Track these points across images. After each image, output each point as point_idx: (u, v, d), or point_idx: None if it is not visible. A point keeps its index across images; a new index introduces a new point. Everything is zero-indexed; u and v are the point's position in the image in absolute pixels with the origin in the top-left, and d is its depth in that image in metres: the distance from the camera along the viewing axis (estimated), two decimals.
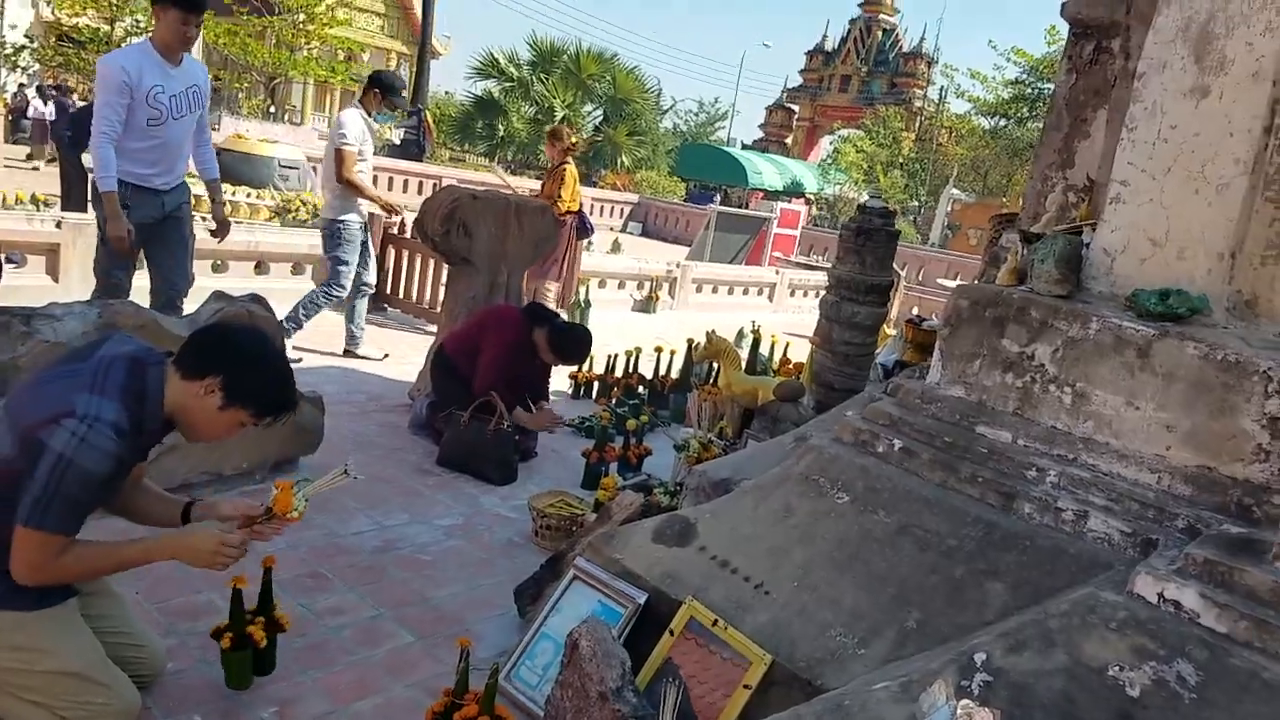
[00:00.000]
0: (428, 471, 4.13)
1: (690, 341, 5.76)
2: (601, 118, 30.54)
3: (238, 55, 22.61)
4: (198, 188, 4.92)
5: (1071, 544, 2.25)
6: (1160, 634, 1.83)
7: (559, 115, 28.34)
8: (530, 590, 2.94)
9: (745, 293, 11.79)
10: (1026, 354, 2.53)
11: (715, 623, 2.41)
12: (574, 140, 7.04)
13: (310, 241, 7.16)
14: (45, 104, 15.61)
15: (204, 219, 4.96)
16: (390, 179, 17.43)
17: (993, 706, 1.85)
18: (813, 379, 4.73)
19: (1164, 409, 2.29)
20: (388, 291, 7.34)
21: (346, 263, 5.53)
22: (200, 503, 2.35)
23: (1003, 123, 25.83)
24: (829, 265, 4.60)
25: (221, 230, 4.63)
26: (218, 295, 3.49)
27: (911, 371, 3.34)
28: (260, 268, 6.96)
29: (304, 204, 8.31)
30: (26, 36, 20.64)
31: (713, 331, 5.61)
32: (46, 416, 1.88)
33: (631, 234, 21.87)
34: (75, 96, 16.09)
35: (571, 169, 6.82)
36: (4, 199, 7.56)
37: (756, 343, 6.02)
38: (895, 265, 4.95)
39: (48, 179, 12.62)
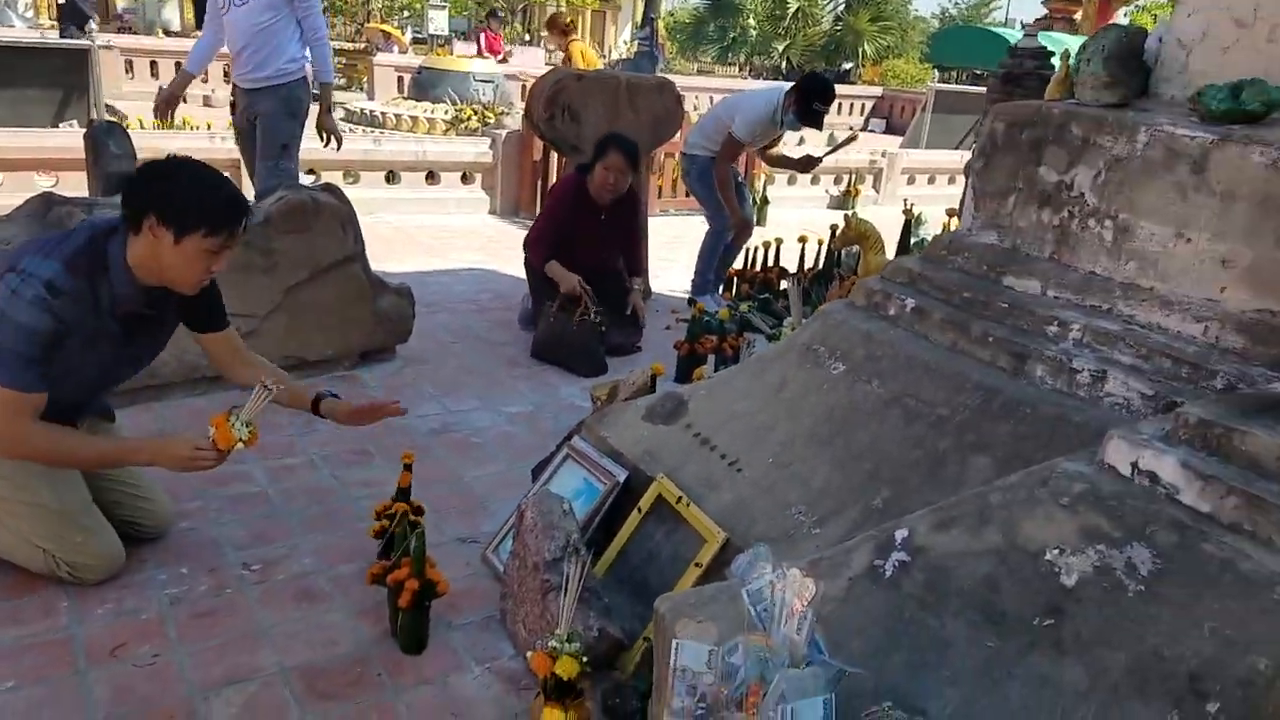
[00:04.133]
0: (518, 364, 4.12)
1: (833, 228, 5.31)
2: (843, 5, 28.67)
3: None
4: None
5: (1080, 411, 1.81)
6: (1121, 512, 1.42)
7: (792, 9, 26.96)
8: (543, 469, 2.84)
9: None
10: (1065, 182, 2.04)
11: (679, 500, 2.20)
12: (569, 21, 6.72)
13: (478, 150, 7.35)
14: None
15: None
16: None
17: (905, 591, 1.53)
18: None
19: (1221, 238, 1.76)
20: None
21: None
22: (328, 399, 2.43)
23: None
24: None
25: (331, 138, 4.55)
26: (286, 186, 3.62)
27: None
28: (431, 178, 7.24)
29: (474, 113, 8.53)
30: None
31: (852, 213, 5.12)
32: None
33: (874, 131, 20.19)
34: None
35: (577, 45, 6.43)
36: (210, 125, 8.26)
37: (909, 224, 5.42)
38: None
39: None
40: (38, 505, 2.16)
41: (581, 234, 4.19)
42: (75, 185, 5.78)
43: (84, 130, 4.79)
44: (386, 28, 19.00)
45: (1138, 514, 1.40)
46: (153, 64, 14.61)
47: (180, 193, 2.01)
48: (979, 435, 1.89)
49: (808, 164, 5.34)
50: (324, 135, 4.55)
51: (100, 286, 2.04)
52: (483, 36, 13.33)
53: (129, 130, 4.65)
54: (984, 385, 1.96)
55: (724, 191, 4.91)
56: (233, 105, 4.50)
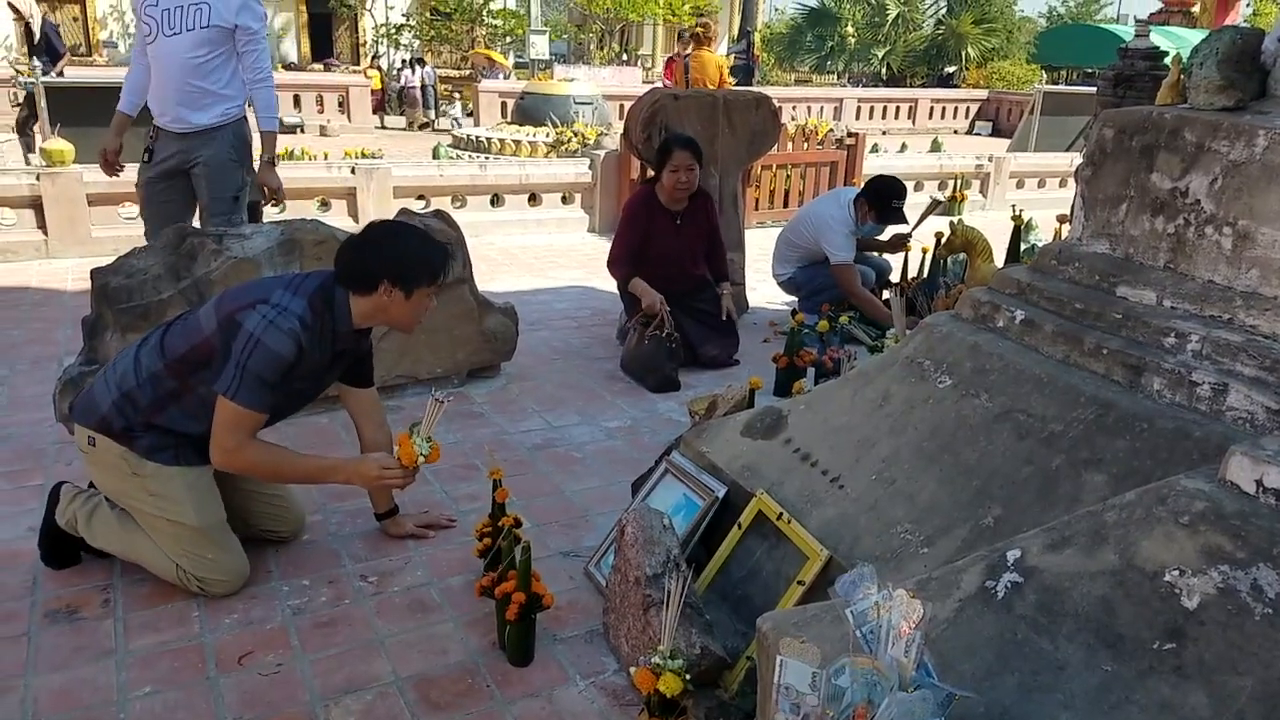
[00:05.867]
0: (617, 379, 4.17)
1: (938, 235, 5.20)
2: (945, 9, 28.11)
3: (581, 5, 23.99)
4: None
5: (1201, 425, 1.74)
6: (1244, 532, 1.36)
7: (892, 14, 26.59)
8: (642, 484, 2.87)
9: None
10: (1180, 190, 1.96)
11: (780, 516, 2.19)
12: (697, 30, 6.53)
13: (577, 170, 7.48)
14: (414, 74, 17.74)
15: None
16: None
17: (1017, 612, 1.50)
18: None
19: None
20: None
21: None
22: (397, 517, 2.76)
23: None
24: None
25: (272, 194, 4.00)
26: (402, 211, 3.77)
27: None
28: (533, 199, 7.40)
29: (575, 135, 8.69)
30: (404, 16, 23.32)
31: (959, 220, 5.01)
32: (246, 302, 2.22)
33: (980, 134, 19.67)
34: (431, 67, 18.10)
35: (696, 58, 6.27)
36: (326, 155, 8.71)
37: (1018, 230, 5.25)
38: None
39: (415, 140, 14.47)
40: (179, 523, 2.33)
41: (659, 242, 4.20)
42: None
43: None
44: (491, 53, 19.56)
45: (1263, 534, 1.34)
46: None
47: (407, 258, 2.30)
48: (1093, 451, 1.83)
49: (899, 243, 5.21)
50: (264, 191, 3.99)
51: (328, 324, 2.28)
52: (668, 65, 11.57)
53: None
54: (1098, 399, 1.90)
55: (865, 304, 4.78)
56: (149, 153, 3.86)
